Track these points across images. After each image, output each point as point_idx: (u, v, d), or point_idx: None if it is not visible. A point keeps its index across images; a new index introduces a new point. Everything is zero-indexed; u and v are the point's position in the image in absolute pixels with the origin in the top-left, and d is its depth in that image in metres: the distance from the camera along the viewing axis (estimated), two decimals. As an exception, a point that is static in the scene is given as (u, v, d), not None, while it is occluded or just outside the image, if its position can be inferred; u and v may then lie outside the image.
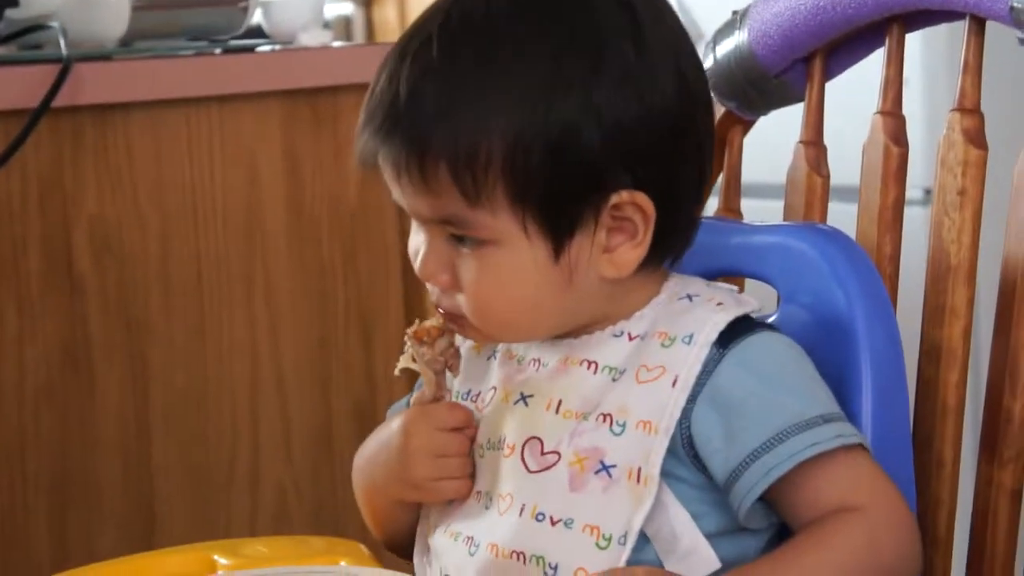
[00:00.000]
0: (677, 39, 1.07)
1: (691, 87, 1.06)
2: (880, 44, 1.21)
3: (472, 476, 1.10)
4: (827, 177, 1.25)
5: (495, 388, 1.11)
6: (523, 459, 1.06)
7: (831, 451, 1.01)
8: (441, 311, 1.09)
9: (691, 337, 1.04)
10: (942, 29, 1.23)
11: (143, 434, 1.86)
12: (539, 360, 1.10)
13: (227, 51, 2.00)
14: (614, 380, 1.06)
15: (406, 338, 1.10)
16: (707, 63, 1.25)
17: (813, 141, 1.25)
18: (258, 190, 1.94)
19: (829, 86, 1.25)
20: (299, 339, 1.98)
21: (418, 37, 1.05)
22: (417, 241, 1.08)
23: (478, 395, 1.13)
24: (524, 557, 1.04)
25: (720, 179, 1.31)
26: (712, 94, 1.13)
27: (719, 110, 1.28)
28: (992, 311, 1.11)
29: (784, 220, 1.26)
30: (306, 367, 1.98)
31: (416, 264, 1.07)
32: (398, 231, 2.06)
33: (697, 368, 1.03)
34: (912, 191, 1.21)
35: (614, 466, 1.03)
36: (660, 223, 1.05)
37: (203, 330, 1.90)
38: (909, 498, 1.06)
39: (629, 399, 1.04)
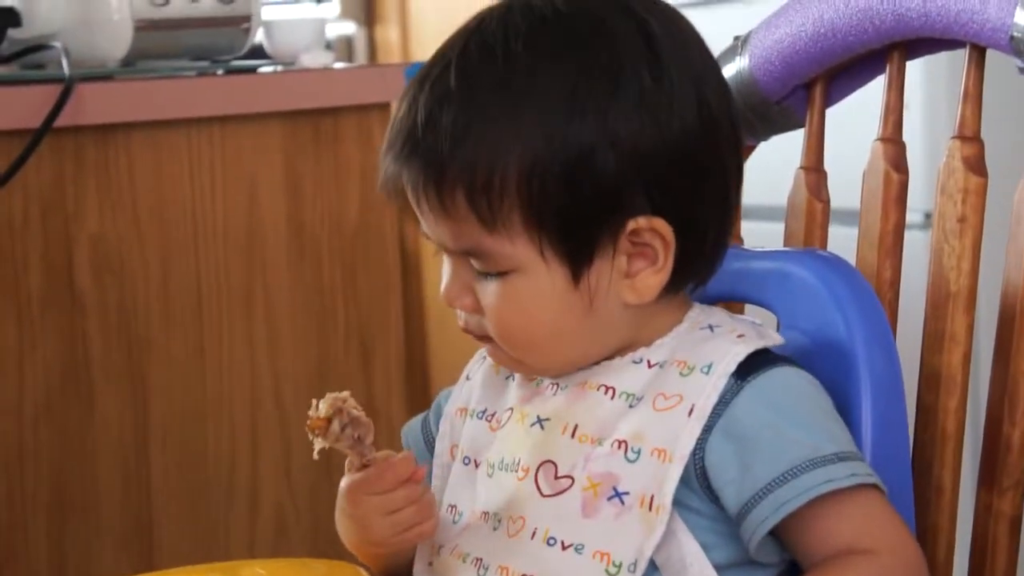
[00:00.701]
0: (702, 69, 1.07)
1: (713, 114, 1.05)
2: (881, 71, 1.21)
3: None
4: (827, 203, 1.25)
5: (511, 409, 1.11)
6: (537, 483, 1.06)
7: (845, 489, 1.00)
8: (472, 334, 1.09)
9: (710, 367, 1.04)
10: (942, 57, 1.23)
11: (142, 452, 1.86)
12: (557, 384, 1.10)
13: (229, 72, 2.00)
14: (631, 406, 1.06)
15: (307, 428, 1.09)
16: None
17: (814, 167, 1.25)
18: (259, 210, 1.94)
19: (830, 112, 1.26)
20: (299, 358, 1.98)
21: (438, 65, 1.06)
22: (445, 269, 1.09)
23: (493, 415, 1.13)
24: None
25: (721, 204, 1.31)
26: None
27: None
28: (992, 338, 1.11)
29: (784, 245, 1.26)
30: (305, 386, 1.98)
31: (441, 290, 1.09)
32: (399, 252, 2.07)
33: (714, 398, 1.03)
34: (912, 215, 1.21)
35: (627, 493, 1.03)
36: (682, 249, 1.05)
37: (203, 349, 1.91)
38: (909, 524, 1.05)
39: (645, 426, 1.04)
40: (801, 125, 1.27)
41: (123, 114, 1.84)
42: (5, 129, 1.75)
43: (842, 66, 1.23)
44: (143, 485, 1.86)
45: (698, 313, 1.10)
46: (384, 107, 2.05)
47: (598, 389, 1.07)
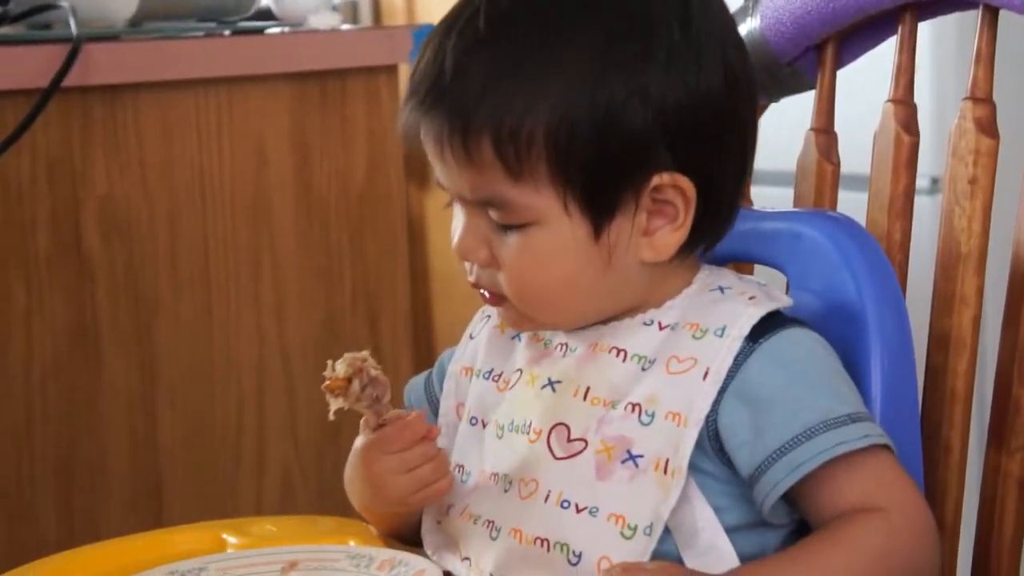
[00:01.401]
0: (726, 29, 1.07)
1: (736, 76, 1.06)
2: (892, 32, 1.21)
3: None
4: (837, 165, 1.25)
5: (520, 371, 1.11)
6: (549, 445, 1.06)
7: (857, 451, 1.01)
8: (483, 292, 1.09)
9: (723, 330, 1.04)
10: (951, 19, 1.23)
11: (150, 413, 1.87)
12: (566, 345, 1.10)
13: (236, 33, 2.00)
14: (643, 369, 1.05)
15: (324, 389, 1.09)
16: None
17: (824, 129, 1.25)
18: (266, 172, 1.94)
19: (840, 74, 1.26)
20: (305, 320, 1.98)
21: (465, 12, 1.05)
22: (456, 223, 1.08)
23: (500, 375, 1.13)
24: (548, 544, 1.04)
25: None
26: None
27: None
28: (1001, 299, 1.11)
29: (794, 208, 1.26)
30: (312, 349, 1.99)
31: (454, 242, 1.07)
32: (405, 214, 2.07)
33: (729, 361, 1.03)
34: (919, 180, 1.21)
35: (641, 456, 1.03)
36: (700, 209, 1.05)
37: (210, 310, 1.91)
38: (917, 484, 1.06)
39: (658, 389, 1.04)
40: (812, 87, 1.27)
41: (131, 75, 1.84)
42: (12, 89, 1.74)
43: (853, 27, 1.23)
44: (151, 445, 1.87)
45: (707, 275, 1.10)
46: (391, 69, 2.04)
47: (609, 351, 1.07)
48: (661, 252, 1.06)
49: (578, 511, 1.04)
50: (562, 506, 1.04)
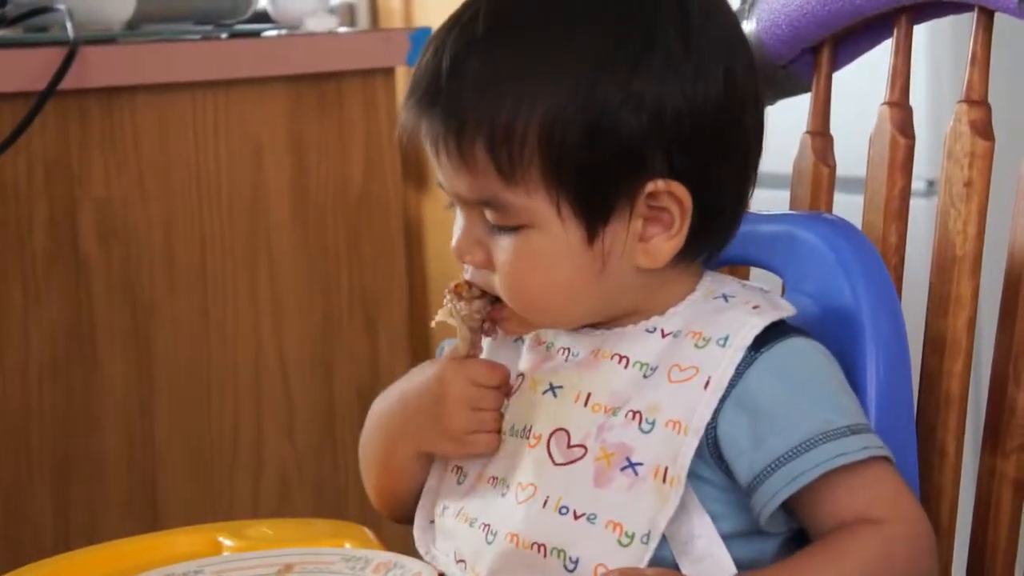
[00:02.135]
0: (729, 37, 1.06)
1: (739, 85, 1.05)
2: (888, 35, 1.21)
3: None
4: (833, 167, 1.25)
5: (523, 375, 1.11)
6: (549, 450, 1.06)
7: (856, 463, 1.01)
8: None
9: (726, 339, 1.04)
10: (946, 22, 1.23)
11: (146, 414, 1.87)
12: (569, 349, 1.10)
13: (233, 35, 2.00)
14: (645, 377, 1.05)
15: (446, 291, 1.09)
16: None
17: (820, 131, 1.25)
18: (263, 174, 1.95)
19: (836, 76, 1.26)
20: (302, 322, 1.98)
21: (467, 12, 1.05)
22: (457, 225, 1.08)
23: None
24: (545, 549, 1.04)
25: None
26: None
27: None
28: (997, 302, 1.12)
29: (790, 210, 1.26)
30: (309, 350, 1.99)
31: (452, 243, 1.08)
32: (402, 217, 2.07)
33: (731, 371, 1.03)
34: (915, 183, 1.21)
35: (641, 464, 1.02)
36: (698, 217, 1.05)
37: (207, 312, 1.91)
38: (912, 487, 1.06)
39: (660, 397, 1.04)
40: (807, 89, 1.27)
41: (127, 77, 1.84)
42: (9, 92, 1.75)
43: (849, 30, 1.23)
44: (147, 446, 1.87)
45: (711, 282, 1.09)
46: (388, 72, 2.05)
47: (611, 358, 1.07)
48: (656, 259, 1.06)
49: (576, 517, 1.03)
50: (560, 512, 1.04)
